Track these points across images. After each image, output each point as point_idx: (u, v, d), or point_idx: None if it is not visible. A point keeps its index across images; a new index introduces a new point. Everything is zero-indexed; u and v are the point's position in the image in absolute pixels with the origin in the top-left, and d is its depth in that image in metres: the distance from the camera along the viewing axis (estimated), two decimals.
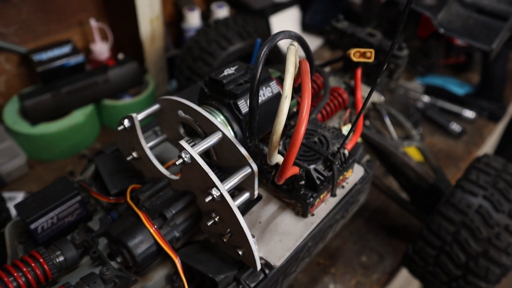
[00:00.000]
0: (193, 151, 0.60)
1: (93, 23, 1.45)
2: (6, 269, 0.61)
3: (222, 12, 1.74)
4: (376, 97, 1.02)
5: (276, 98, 0.73)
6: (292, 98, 0.77)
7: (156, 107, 0.73)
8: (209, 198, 0.59)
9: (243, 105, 0.68)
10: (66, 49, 1.40)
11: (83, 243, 0.68)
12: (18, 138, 1.29)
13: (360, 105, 0.80)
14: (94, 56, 1.52)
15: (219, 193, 0.59)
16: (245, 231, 0.61)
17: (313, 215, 0.71)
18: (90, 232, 0.72)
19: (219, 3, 1.78)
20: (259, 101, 0.70)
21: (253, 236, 0.65)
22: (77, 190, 0.74)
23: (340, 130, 0.79)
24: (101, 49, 1.51)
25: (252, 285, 0.66)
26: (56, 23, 1.43)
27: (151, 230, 0.63)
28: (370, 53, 0.75)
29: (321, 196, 0.70)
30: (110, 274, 0.64)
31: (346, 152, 0.71)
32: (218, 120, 0.67)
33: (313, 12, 2.02)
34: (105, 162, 0.80)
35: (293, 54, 0.57)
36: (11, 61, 1.37)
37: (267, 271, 0.67)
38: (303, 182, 0.67)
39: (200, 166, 0.59)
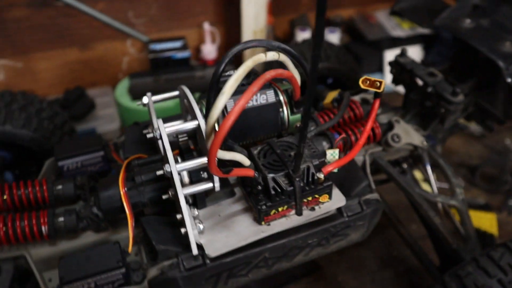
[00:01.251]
0: (163, 129, 0.68)
1: (206, 26, 1.65)
2: (18, 185, 0.78)
3: (303, 34, 1.78)
4: (418, 140, 0.94)
5: (270, 107, 0.75)
6: (297, 113, 0.78)
7: (174, 93, 0.83)
8: (161, 172, 0.65)
9: (230, 104, 0.73)
10: (177, 44, 1.63)
11: (82, 185, 0.81)
12: (119, 108, 1.55)
13: (365, 136, 0.76)
14: (203, 55, 1.72)
15: (169, 169, 0.65)
16: (183, 212, 0.65)
17: (269, 225, 0.71)
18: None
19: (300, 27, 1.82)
20: (251, 105, 0.74)
21: (200, 222, 0.70)
22: (102, 147, 0.88)
23: (323, 152, 0.75)
24: (209, 50, 1.70)
25: (187, 266, 0.69)
26: (177, 21, 1.67)
27: (121, 189, 0.73)
28: (380, 83, 0.71)
29: (280, 209, 0.69)
30: (85, 213, 0.76)
31: (321, 175, 0.69)
32: (201, 111, 0.73)
33: (435, 53, 1.89)
34: (134, 132, 0.93)
35: (252, 60, 0.60)
36: (135, 46, 1.65)
37: (207, 261, 0.70)
38: (259, 188, 0.68)
39: (163, 143, 0.66)
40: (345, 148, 0.84)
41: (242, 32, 1.57)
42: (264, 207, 0.68)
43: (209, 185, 0.71)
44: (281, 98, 0.77)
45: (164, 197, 0.71)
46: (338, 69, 1.29)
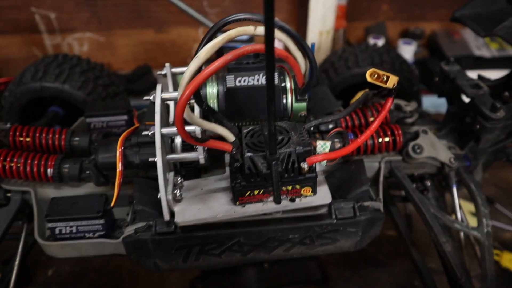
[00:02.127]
0: (159, 94, 0.70)
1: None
2: (42, 130, 0.86)
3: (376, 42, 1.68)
4: (445, 156, 0.84)
5: None
6: (302, 101, 0.75)
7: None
8: (145, 132, 0.68)
9: (231, 79, 0.72)
10: (244, 36, 1.66)
11: (96, 141, 0.87)
12: None
13: (366, 135, 0.70)
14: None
15: (153, 132, 0.67)
16: (159, 176, 0.67)
17: (243, 206, 0.69)
18: None
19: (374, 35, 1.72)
20: (251, 83, 0.73)
21: (179, 190, 0.70)
22: (127, 111, 0.94)
23: (311, 143, 0.70)
24: (276, 46, 1.71)
25: (159, 230, 0.70)
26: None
27: (118, 147, 0.77)
28: (387, 78, 0.65)
29: (256, 192, 0.67)
30: (88, 165, 0.81)
31: (305, 165, 0.65)
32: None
33: None
34: None
35: (236, 30, 0.59)
36: None
37: (178, 230, 0.71)
38: (237, 165, 0.66)
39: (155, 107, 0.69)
40: (342, 145, 0.78)
41: (308, 31, 1.55)
42: (238, 185, 0.66)
43: (193, 155, 0.72)
44: (288, 84, 0.75)
45: (150, 159, 0.73)
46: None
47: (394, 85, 0.68)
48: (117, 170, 0.75)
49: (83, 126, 0.98)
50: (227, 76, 0.72)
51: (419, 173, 0.90)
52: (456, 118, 0.89)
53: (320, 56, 1.62)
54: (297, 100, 0.75)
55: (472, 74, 1.64)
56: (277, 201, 0.68)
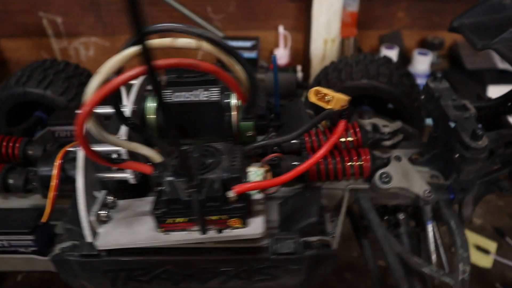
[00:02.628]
0: None
1: (281, 30, 1.59)
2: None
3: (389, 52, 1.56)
4: (419, 187, 0.73)
5: (211, 106, 0.67)
6: (248, 119, 0.68)
7: None
8: (70, 148, 0.64)
9: (168, 94, 0.67)
10: (248, 44, 1.60)
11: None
12: None
13: (310, 162, 0.61)
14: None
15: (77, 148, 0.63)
16: (78, 194, 0.63)
17: (167, 234, 0.63)
18: None
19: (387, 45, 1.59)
20: (189, 99, 0.67)
21: (107, 211, 0.66)
22: None
23: (243, 169, 0.62)
24: (282, 54, 1.64)
25: (83, 252, 0.66)
26: (255, 22, 1.65)
27: (57, 159, 0.73)
28: (331, 98, 0.57)
29: (178, 220, 0.61)
30: (33, 176, 0.79)
31: (231, 194, 0.58)
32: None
33: None
34: None
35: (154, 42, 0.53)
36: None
37: (103, 253, 0.66)
38: (158, 189, 0.61)
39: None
40: (277, 172, 0.69)
41: (311, 39, 1.47)
42: (158, 212, 0.60)
43: (121, 175, 0.67)
44: (232, 100, 0.68)
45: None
46: (387, 90, 1.11)
47: (343, 106, 0.60)
48: (52, 183, 0.72)
49: (49, 135, 0.96)
50: (164, 91, 0.67)
51: (393, 205, 0.79)
52: (440, 143, 0.78)
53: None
54: (244, 119, 0.68)
55: (496, 90, 1.49)
56: (202, 231, 0.62)
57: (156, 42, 0.54)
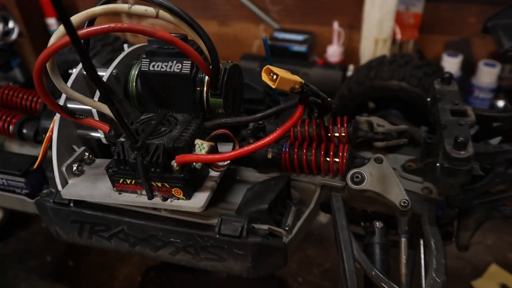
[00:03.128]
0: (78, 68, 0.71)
1: (336, 26, 1.54)
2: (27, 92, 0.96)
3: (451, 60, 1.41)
4: (395, 196, 0.66)
5: (182, 79, 0.67)
6: (217, 96, 0.68)
7: None
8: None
9: (146, 63, 0.69)
10: (300, 37, 1.58)
11: None
12: None
13: (253, 147, 0.58)
14: (327, 56, 1.62)
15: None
16: (52, 146, 0.68)
17: (120, 193, 0.65)
18: None
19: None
20: (163, 69, 0.68)
21: (81, 165, 0.70)
22: None
23: (191, 141, 0.61)
24: (334, 51, 1.59)
25: (55, 200, 0.72)
26: (312, 16, 1.62)
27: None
28: (276, 76, 0.55)
29: (128, 181, 0.63)
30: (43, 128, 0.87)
31: (174, 163, 0.59)
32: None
33: None
34: None
35: (105, 7, 0.56)
36: (267, 32, 1.69)
37: (71, 204, 0.71)
38: (113, 148, 0.63)
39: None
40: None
41: (361, 38, 1.39)
42: (110, 170, 0.63)
43: (95, 134, 0.71)
44: (205, 77, 0.68)
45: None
46: (416, 94, 1.01)
47: (294, 89, 0.57)
48: (47, 134, 0.79)
49: None
50: (143, 60, 0.70)
51: (372, 211, 0.73)
52: (434, 152, 0.70)
53: None
54: (211, 95, 0.68)
55: None
56: (149, 196, 0.63)
57: (110, 7, 0.56)
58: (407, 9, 1.45)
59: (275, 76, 0.55)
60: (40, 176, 0.81)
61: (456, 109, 0.66)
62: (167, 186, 0.61)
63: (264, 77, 0.57)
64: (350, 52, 1.61)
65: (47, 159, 0.80)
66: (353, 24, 1.57)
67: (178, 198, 0.62)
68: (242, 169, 0.77)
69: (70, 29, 0.45)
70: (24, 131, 0.88)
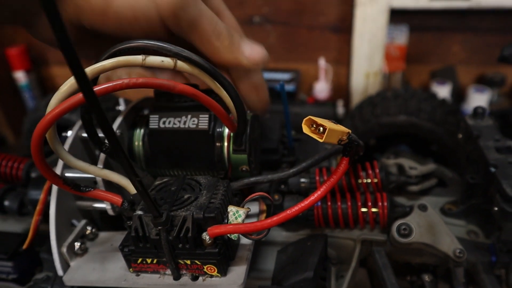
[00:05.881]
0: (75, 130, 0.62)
1: (321, 62, 1.52)
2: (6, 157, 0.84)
3: (441, 88, 1.41)
4: (448, 246, 0.59)
5: (200, 135, 0.60)
6: (240, 152, 0.60)
7: None
8: None
9: (154, 120, 0.61)
10: (286, 76, 1.55)
11: None
12: None
13: (300, 208, 0.51)
14: (315, 93, 1.59)
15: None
16: (50, 224, 0.58)
17: (137, 275, 0.55)
18: None
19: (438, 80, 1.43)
20: (177, 126, 0.60)
21: (83, 243, 0.60)
22: None
23: (223, 208, 0.52)
24: (322, 88, 1.56)
25: (54, 287, 0.60)
26: (296, 54, 1.59)
27: (46, 183, 0.70)
28: (324, 130, 0.48)
29: (149, 260, 0.53)
30: (29, 201, 0.76)
31: (206, 236, 0.50)
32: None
33: None
34: None
35: (119, 60, 0.48)
36: None
37: None
38: (129, 223, 0.54)
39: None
40: (268, 212, 0.59)
41: (352, 72, 1.37)
42: (126, 249, 0.53)
43: (100, 205, 0.61)
44: (225, 129, 0.61)
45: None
46: (429, 128, 0.97)
47: (341, 141, 0.50)
48: (38, 207, 0.68)
49: None
50: (151, 116, 0.61)
51: (418, 263, 0.66)
52: (478, 192, 0.65)
53: None
54: (234, 151, 0.60)
55: None
56: (175, 276, 0.53)
57: (122, 60, 0.48)
58: (392, 42, 1.45)
59: (321, 129, 0.48)
60: (31, 257, 0.69)
61: (501, 146, 0.61)
62: (198, 263, 0.52)
63: (306, 130, 0.50)
64: (337, 87, 1.59)
65: (38, 236, 0.69)
66: (338, 59, 1.56)
67: (212, 276, 0.53)
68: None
69: (87, 87, 0.37)
70: (6, 203, 0.76)
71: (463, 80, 1.50)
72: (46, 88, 1.78)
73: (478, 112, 0.67)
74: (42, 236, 0.70)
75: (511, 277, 0.67)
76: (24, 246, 0.67)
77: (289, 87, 1.51)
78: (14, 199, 0.76)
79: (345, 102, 1.51)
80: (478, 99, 1.36)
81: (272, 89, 1.49)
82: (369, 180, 0.68)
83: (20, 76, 1.68)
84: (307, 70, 1.60)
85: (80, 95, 0.44)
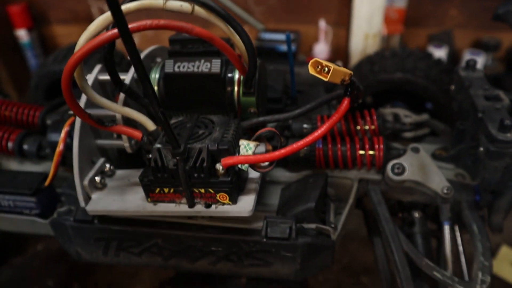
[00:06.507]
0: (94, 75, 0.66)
1: (322, 24, 1.54)
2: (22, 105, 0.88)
3: (438, 51, 1.44)
4: (437, 184, 0.65)
5: (212, 79, 0.64)
6: (249, 94, 0.65)
7: None
8: (71, 112, 0.64)
9: (169, 64, 0.65)
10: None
11: None
12: None
13: (305, 142, 0.56)
14: (314, 54, 1.62)
15: None
16: (74, 159, 0.63)
17: (155, 204, 0.61)
18: None
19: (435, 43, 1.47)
20: (190, 70, 0.64)
21: (103, 178, 0.65)
22: None
23: (235, 142, 0.58)
24: (321, 49, 1.59)
25: (77, 217, 0.66)
26: (296, 15, 1.61)
27: (65, 126, 0.74)
28: (328, 70, 0.52)
29: (166, 190, 0.58)
30: (46, 144, 0.80)
31: (220, 166, 0.55)
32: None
33: None
34: None
35: (139, 3, 0.52)
36: (252, 33, 1.66)
37: (96, 220, 0.66)
38: (149, 156, 0.59)
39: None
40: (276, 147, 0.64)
41: (351, 34, 1.40)
42: (145, 180, 0.58)
43: (118, 142, 0.66)
44: (236, 75, 0.65)
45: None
46: (424, 86, 1.02)
47: (344, 81, 0.55)
48: (57, 149, 0.73)
49: None
50: (166, 61, 0.66)
51: (409, 201, 0.72)
52: (467, 138, 0.70)
53: None
54: (245, 94, 0.65)
55: None
56: (190, 204, 0.59)
57: (145, 2, 0.52)
58: (391, 5, 1.48)
59: (326, 69, 0.53)
60: (51, 194, 0.75)
61: (489, 94, 0.66)
62: (212, 191, 0.57)
63: (312, 71, 0.54)
64: (337, 49, 1.62)
65: (57, 176, 0.74)
66: (339, 21, 1.58)
67: (224, 204, 0.59)
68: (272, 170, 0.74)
69: (122, 22, 0.42)
70: (25, 147, 0.81)
71: (460, 44, 1.53)
72: (47, 46, 1.79)
73: (470, 65, 0.72)
74: (59, 178, 0.76)
75: (493, 217, 0.74)
76: (46, 183, 0.72)
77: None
78: (32, 143, 0.81)
79: (344, 64, 1.54)
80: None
81: (273, 49, 1.53)
82: (367, 127, 0.73)
83: (22, 34, 1.69)
84: (307, 31, 1.62)
85: (107, 34, 0.48)
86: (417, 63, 1.04)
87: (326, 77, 0.53)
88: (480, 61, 1.43)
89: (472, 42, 1.53)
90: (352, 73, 0.54)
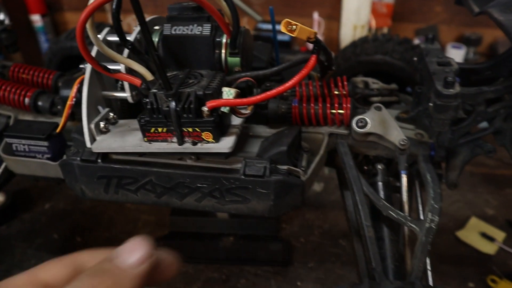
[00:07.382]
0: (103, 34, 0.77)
1: (315, 16, 1.65)
2: (37, 69, 0.99)
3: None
4: (395, 137, 0.75)
5: (202, 40, 0.75)
6: (234, 55, 0.75)
7: None
8: (82, 65, 0.75)
9: (167, 27, 0.76)
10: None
11: None
12: None
13: (276, 91, 0.66)
14: (307, 44, 1.72)
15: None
16: (82, 105, 0.73)
17: (150, 143, 0.71)
18: None
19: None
20: (184, 32, 0.75)
21: (108, 123, 0.76)
22: None
23: (218, 89, 0.68)
24: None
25: (83, 157, 0.76)
26: (293, 9, 1.73)
27: (75, 84, 0.85)
28: (296, 27, 0.63)
29: (160, 129, 0.69)
30: (58, 100, 0.91)
31: (205, 108, 0.66)
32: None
33: None
34: None
35: None
36: (250, 24, 1.78)
37: (99, 160, 0.76)
38: (145, 100, 0.69)
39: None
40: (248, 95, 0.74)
41: (341, 25, 1.51)
42: (142, 120, 0.69)
43: (121, 94, 0.77)
44: (224, 39, 0.76)
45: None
46: (401, 67, 1.13)
47: (309, 38, 0.65)
48: (68, 102, 0.83)
49: None
50: (165, 25, 0.76)
51: (373, 155, 0.82)
52: (424, 100, 0.80)
53: None
54: (230, 55, 0.76)
55: None
56: (180, 141, 0.70)
57: None
58: (380, 0, 1.59)
59: (294, 27, 0.63)
60: (62, 141, 0.85)
61: (442, 61, 0.76)
62: (198, 130, 0.68)
63: (283, 29, 0.65)
64: (329, 40, 1.73)
65: (66, 128, 0.85)
66: (332, 15, 1.69)
67: (208, 142, 0.69)
68: (254, 126, 0.85)
69: None
70: (39, 103, 0.92)
71: (444, 39, 1.64)
72: (59, 32, 1.91)
73: (428, 38, 0.82)
74: (68, 132, 0.86)
75: (449, 174, 0.84)
76: (57, 130, 0.83)
77: (284, 38, 1.65)
78: (46, 99, 0.92)
79: (336, 54, 1.65)
80: (455, 54, 1.51)
81: (270, 38, 1.63)
82: (337, 92, 0.83)
83: (37, 19, 1.82)
84: (302, 23, 1.73)
85: None
86: (395, 47, 1.15)
87: (294, 33, 0.64)
88: (462, 53, 1.53)
89: (456, 37, 1.63)
90: (316, 32, 0.65)
